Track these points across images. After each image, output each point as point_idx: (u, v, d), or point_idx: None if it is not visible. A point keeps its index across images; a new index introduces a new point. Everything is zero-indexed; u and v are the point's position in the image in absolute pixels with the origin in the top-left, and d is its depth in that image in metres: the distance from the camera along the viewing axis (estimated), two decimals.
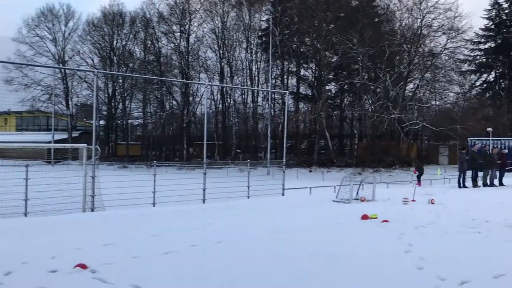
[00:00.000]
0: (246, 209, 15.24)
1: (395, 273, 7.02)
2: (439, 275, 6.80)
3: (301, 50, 63.76)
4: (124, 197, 15.19)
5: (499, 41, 63.20)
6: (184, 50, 67.65)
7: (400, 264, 7.59)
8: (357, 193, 18.02)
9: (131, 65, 72.27)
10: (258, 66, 67.98)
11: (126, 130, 76.13)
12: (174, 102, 70.73)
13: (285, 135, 25.46)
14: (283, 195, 20.86)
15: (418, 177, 28.92)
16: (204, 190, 18.23)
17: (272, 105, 62.43)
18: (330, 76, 60.65)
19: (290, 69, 65.55)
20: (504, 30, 63.35)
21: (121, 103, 74.13)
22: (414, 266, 7.37)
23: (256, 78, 67.82)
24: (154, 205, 16.55)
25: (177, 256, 8.06)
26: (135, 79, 68.28)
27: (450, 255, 8.25)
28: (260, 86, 65.91)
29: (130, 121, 77.22)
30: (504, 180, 25.48)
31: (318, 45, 57.60)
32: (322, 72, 58.27)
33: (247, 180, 20.09)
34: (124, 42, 73.45)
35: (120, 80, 71.21)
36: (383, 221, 12.07)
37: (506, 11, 64.48)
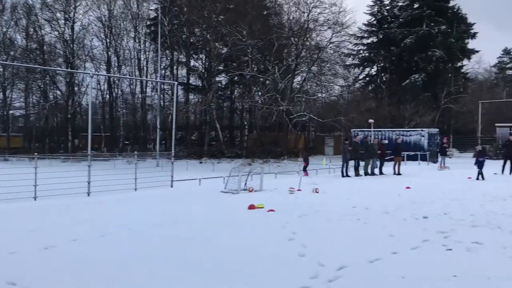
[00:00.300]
0: (132, 202, 15.03)
1: (278, 261, 7.22)
2: (319, 261, 7.09)
3: (191, 40, 63.34)
4: (3, 191, 14.45)
5: (381, 36, 66.25)
6: (68, 38, 65.13)
7: (283, 251, 7.82)
8: (245, 183, 18.28)
9: (12, 53, 68.38)
10: (147, 56, 66.88)
11: (7, 121, 72.18)
12: (58, 92, 67.95)
13: (174, 126, 25.30)
14: (172, 186, 20.75)
15: (305, 168, 29.75)
16: (88, 183, 17.75)
17: (161, 95, 61.70)
18: (220, 68, 60.78)
19: (179, 59, 65.01)
20: (386, 26, 66.47)
21: (1, 93, 70.16)
22: (297, 253, 7.63)
23: (145, 68, 66.70)
24: (35, 199, 15.89)
25: (57, 251, 7.82)
26: (16, 68, 64.87)
27: (331, 242, 8.61)
28: (149, 77, 64.89)
29: (11, 111, 73.24)
30: (384, 169, 26.80)
31: (208, 36, 57.48)
32: (212, 63, 58.30)
33: (135, 172, 19.77)
34: (4, 29, 69.37)
35: (0, 69, 67.41)
36: (269, 210, 12.35)
37: (388, 7, 67.72)
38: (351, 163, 25.76)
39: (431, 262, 7.28)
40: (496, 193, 16.54)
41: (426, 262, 7.27)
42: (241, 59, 58.57)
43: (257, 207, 12.85)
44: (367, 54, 67.26)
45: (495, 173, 25.64)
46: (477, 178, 22.73)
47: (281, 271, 6.70)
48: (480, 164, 23.06)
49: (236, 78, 62.13)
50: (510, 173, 25.41)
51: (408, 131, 44.27)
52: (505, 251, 7.99)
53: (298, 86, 59.39)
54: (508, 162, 26.07)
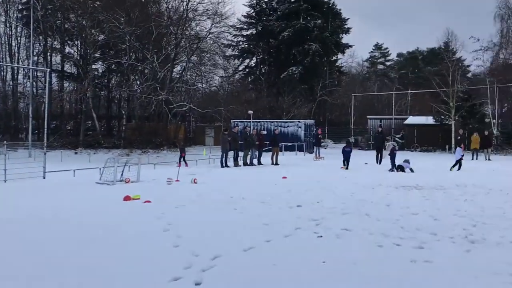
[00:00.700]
0: (2, 194, 14.22)
1: (152, 252, 7.15)
2: (194, 251, 7.10)
3: (66, 26, 60.71)
4: None
5: (260, 28, 67.21)
6: None
7: (157, 243, 7.75)
8: (122, 174, 17.91)
9: None
10: (19, 42, 63.19)
11: None
12: None
13: (46, 115, 24.28)
14: (44, 178, 19.95)
15: (183, 158, 29.69)
16: None
17: (34, 83, 58.84)
18: (97, 55, 58.68)
19: (53, 46, 62.22)
20: (264, 18, 67.47)
21: None
22: (171, 244, 7.59)
23: (17, 54, 63.15)
24: None
25: None
26: None
27: (206, 232, 8.65)
28: (20, 63, 61.51)
29: None
30: (262, 160, 27.34)
31: (83, 22, 55.37)
32: (88, 51, 56.25)
33: (4, 163, 18.78)
34: None
35: None
36: (146, 201, 12.19)
37: (266, 0, 68.78)
38: (231, 153, 26.05)
39: (303, 249, 7.52)
40: (366, 182, 17.43)
41: (297, 249, 7.51)
42: (118, 46, 57.04)
43: (133, 198, 12.64)
44: (246, 45, 68.00)
45: (366, 163, 27.03)
46: (345, 167, 24.08)
47: (154, 262, 6.63)
48: (346, 154, 24.49)
49: (113, 66, 60.44)
50: (380, 163, 26.89)
51: (286, 122, 45.38)
52: (371, 237, 8.43)
53: (178, 76, 58.94)
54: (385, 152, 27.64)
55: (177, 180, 17.53)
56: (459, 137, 33.84)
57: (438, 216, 10.59)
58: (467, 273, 6.37)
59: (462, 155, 24.15)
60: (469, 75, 68.41)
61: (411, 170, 22.39)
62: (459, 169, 23.29)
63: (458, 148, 24.75)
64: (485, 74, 48.48)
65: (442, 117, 42.42)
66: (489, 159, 31.92)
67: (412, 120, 48.74)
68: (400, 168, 22.54)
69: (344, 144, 26.51)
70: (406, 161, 23.17)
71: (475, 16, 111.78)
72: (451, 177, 19.54)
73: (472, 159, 32.07)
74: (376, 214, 10.76)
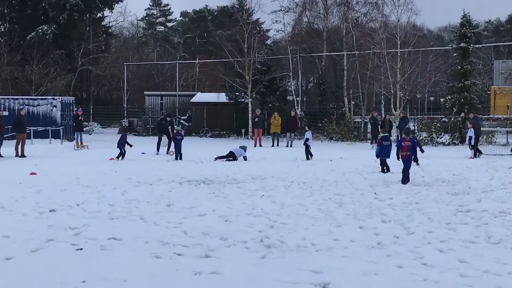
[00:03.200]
0: None
1: None
2: None
3: None
4: None
5: None
6: None
7: None
8: None
9: None
10: None
11: None
12: None
13: None
14: None
15: None
16: None
17: None
18: None
19: None
20: None
21: None
22: None
23: None
24: None
25: None
26: None
27: None
28: None
29: None
30: (2, 150, 26.31)
31: None
32: None
33: None
34: None
35: None
36: None
37: None
38: None
39: (56, 266, 7.43)
40: (143, 177, 17.59)
41: (49, 266, 7.41)
42: None
43: None
44: None
45: (143, 153, 27.36)
46: (119, 157, 24.21)
47: None
48: (119, 144, 24.65)
49: None
50: (168, 152, 27.48)
51: (36, 99, 43.89)
52: (146, 247, 8.62)
53: None
54: (165, 139, 28.19)
55: None
56: (256, 119, 35.37)
57: (230, 216, 11.12)
58: (261, 284, 6.78)
59: (307, 138, 24.92)
60: (269, 42, 71.63)
61: (245, 159, 23.21)
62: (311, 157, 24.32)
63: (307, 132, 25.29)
64: (287, 41, 50.93)
65: (237, 93, 43.73)
66: (290, 146, 33.56)
67: (200, 97, 49.77)
68: (232, 156, 23.19)
69: (120, 127, 26.63)
70: (242, 147, 23.97)
71: None
72: (247, 169, 20.44)
73: (272, 145, 33.78)
74: (154, 217, 10.98)
